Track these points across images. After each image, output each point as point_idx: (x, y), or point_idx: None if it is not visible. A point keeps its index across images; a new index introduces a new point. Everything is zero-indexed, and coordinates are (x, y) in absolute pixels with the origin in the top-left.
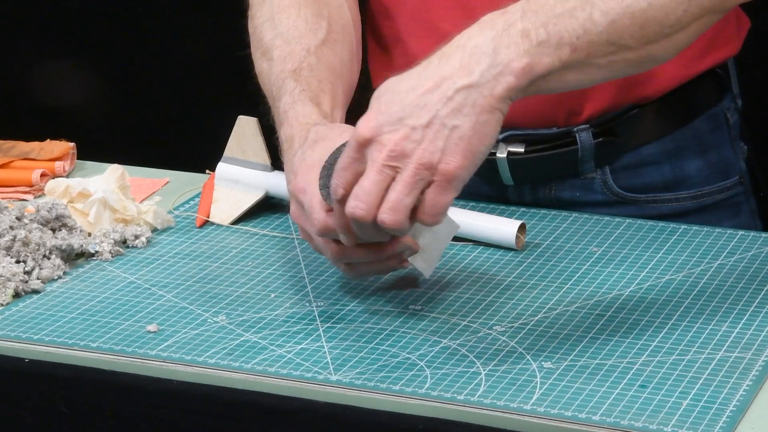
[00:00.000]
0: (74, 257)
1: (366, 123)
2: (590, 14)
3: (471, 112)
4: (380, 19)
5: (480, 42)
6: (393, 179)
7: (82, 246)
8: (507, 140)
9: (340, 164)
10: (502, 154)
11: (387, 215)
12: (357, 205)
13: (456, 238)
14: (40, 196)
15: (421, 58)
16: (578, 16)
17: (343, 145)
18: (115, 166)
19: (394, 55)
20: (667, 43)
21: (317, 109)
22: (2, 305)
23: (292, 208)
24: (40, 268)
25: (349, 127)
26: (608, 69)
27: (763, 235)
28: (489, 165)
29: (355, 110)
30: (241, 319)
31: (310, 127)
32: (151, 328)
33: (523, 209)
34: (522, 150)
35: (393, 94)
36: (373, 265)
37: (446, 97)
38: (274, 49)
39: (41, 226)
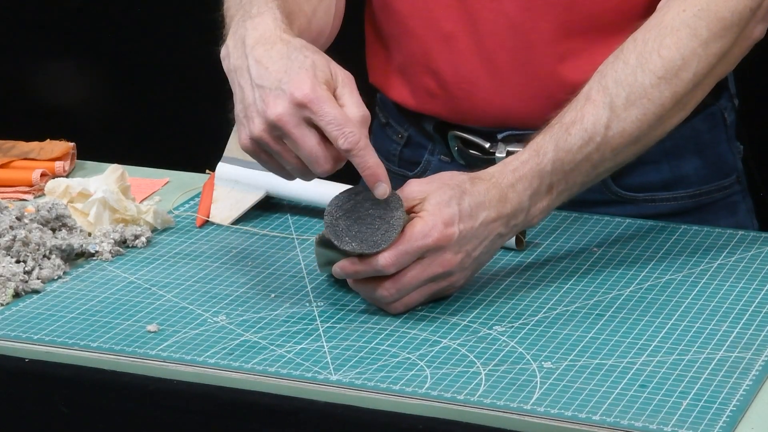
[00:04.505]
0: (74, 257)
1: (446, 229)
2: (602, 154)
3: (495, 248)
4: (380, 14)
5: (522, 198)
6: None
7: (82, 246)
8: (506, 140)
9: (406, 247)
10: (501, 154)
11: (398, 306)
12: (391, 294)
13: None
14: (40, 196)
15: (419, 56)
16: (593, 159)
17: (348, 191)
18: (115, 166)
19: (393, 51)
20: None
21: (291, 27)
22: (2, 305)
23: (285, 105)
24: (40, 268)
25: (324, 55)
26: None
27: (763, 234)
28: (488, 165)
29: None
30: (241, 319)
31: (294, 35)
32: (151, 328)
33: None
34: (521, 149)
35: (472, 218)
36: None
37: (490, 238)
38: None
39: (41, 226)
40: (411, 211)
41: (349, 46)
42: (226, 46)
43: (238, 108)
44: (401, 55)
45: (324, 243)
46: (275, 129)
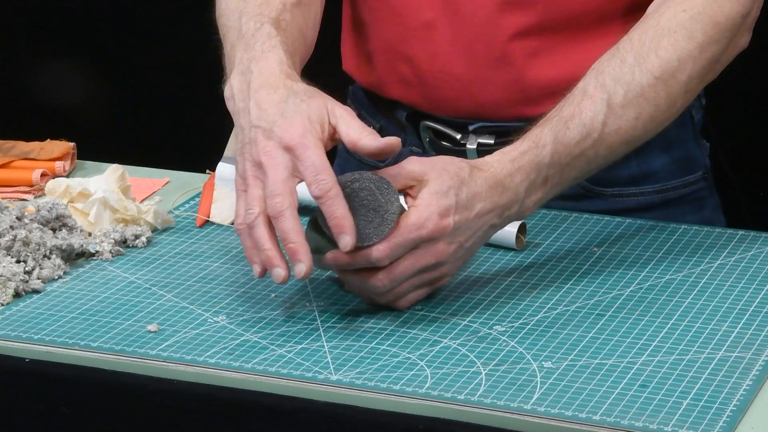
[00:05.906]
0: (74, 257)
1: (441, 221)
2: (597, 151)
3: (486, 238)
4: (357, 2)
5: (519, 190)
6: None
7: (82, 246)
8: (477, 132)
9: (400, 239)
10: (472, 146)
11: (389, 296)
12: (384, 285)
13: None
14: (40, 196)
15: (395, 43)
16: (588, 155)
17: (362, 177)
18: (115, 166)
19: (367, 39)
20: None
21: (294, 60)
22: (2, 305)
23: (273, 146)
24: (41, 268)
25: (324, 96)
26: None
27: (763, 235)
28: (459, 156)
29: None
30: (241, 319)
31: (297, 79)
32: (152, 328)
33: None
34: (492, 142)
35: (468, 209)
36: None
37: (484, 228)
38: None
39: (41, 226)
40: (407, 191)
41: (324, 35)
42: (230, 87)
43: (237, 146)
44: (376, 42)
45: (315, 228)
46: (260, 168)
